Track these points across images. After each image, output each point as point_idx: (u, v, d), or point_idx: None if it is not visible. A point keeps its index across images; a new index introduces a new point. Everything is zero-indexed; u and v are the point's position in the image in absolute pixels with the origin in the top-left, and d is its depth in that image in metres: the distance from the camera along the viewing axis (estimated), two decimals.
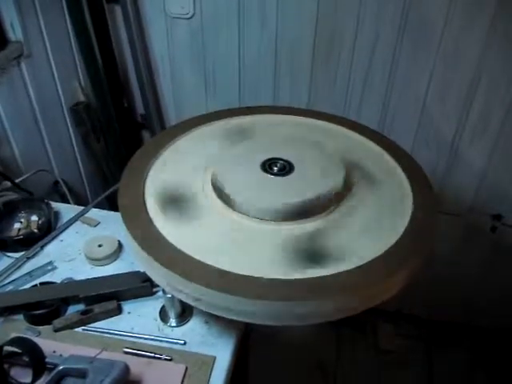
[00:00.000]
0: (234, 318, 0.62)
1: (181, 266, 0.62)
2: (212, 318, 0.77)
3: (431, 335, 1.71)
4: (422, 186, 0.76)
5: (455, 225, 1.46)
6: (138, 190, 0.76)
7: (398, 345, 1.68)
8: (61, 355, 0.69)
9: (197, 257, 0.64)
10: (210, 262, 0.63)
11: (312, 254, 0.65)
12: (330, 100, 1.35)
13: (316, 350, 1.66)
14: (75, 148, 1.41)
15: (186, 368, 0.70)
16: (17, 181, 1.05)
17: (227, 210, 0.72)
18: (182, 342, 0.74)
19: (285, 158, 0.77)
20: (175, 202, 0.75)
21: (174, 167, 0.82)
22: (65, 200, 1.29)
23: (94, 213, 0.98)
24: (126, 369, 0.65)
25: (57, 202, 1.07)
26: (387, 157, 0.84)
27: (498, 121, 1.25)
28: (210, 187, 0.76)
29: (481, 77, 1.20)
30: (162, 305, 0.79)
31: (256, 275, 0.61)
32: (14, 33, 1.15)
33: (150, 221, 0.70)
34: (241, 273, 0.61)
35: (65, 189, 1.25)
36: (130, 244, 0.70)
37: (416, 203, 0.72)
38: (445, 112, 1.28)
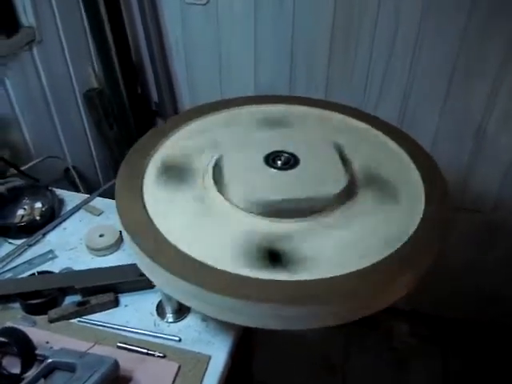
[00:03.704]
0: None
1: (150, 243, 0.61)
2: (210, 316, 0.74)
3: (447, 334, 1.65)
4: (438, 199, 0.69)
5: (477, 222, 1.40)
6: (139, 164, 0.75)
7: (410, 344, 1.63)
8: (51, 347, 0.67)
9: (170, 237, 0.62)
10: (183, 245, 0.61)
11: (274, 256, 0.61)
12: (347, 89, 1.30)
13: (325, 348, 1.63)
14: (88, 134, 1.40)
15: (179, 366, 0.68)
16: (24, 167, 1.05)
17: (219, 196, 0.69)
18: (177, 338, 0.72)
19: (294, 152, 0.73)
20: (174, 173, 0.74)
21: (188, 143, 0.81)
22: (76, 187, 1.28)
23: (99, 201, 0.97)
24: (116, 365, 0.63)
25: (67, 189, 1.06)
26: (408, 160, 0.77)
27: None
28: (211, 167, 0.74)
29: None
30: (159, 299, 0.77)
31: (219, 267, 0.59)
32: (27, 18, 1.14)
33: (140, 189, 0.70)
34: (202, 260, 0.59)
35: (75, 176, 1.24)
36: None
37: (425, 220, 0.65)
38: (469, 101, 1.21)
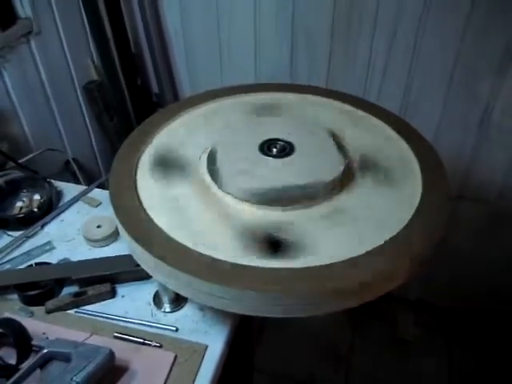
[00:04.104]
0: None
1: (145, 235, 0.61)
2: (207, 306, 0.74)
3: (452, 324, 1.64)
4: (436, 186, 0.67)
5: (482, 211, 1.38)
6: (134, 154, 0.74)
7: (415, 334, 1.63)
8: (47, 338, 0.67)
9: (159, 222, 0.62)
10: (181, 237, 0.61)
11: (273, 244, 0.60)
12: (350, 77, 1.28)
13: (330, 337, 1.63)
14: (88, 127, 1.40)
15: (176, 356, 0.67)
16: (23, 160, 1.04)
17: (214, 186, 0.68)
18: (174, 328, 0.71)
19: (290, 140, 0.72)
20: (167, 163, 0.74)
21: (184, 133, 0.80)
22: (76, 179, 1.28)
23: (97, 193, 0.96)
24: (111, 355, 0.63)
25: (69, 181, 1.06)
26: (407, 150, 0.75)
27: None
28: (205, 156, 0.73)
29: None
30: (156, 289, 0.76)
31: (219, 257, 0.58)
32: (24, 9, 1.13)
33: (134, 184, 0.69)
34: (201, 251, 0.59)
35: (75, 168, 1.24)
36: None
37: (422, 206, 0.64)
38: (473, 87, 1.19)
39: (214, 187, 0.68)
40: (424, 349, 1.59)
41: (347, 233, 0.62)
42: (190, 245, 0.60)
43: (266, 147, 0.71)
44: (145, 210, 0.65)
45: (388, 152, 0.75)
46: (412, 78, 1.23)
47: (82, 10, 1.27)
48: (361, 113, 0.84)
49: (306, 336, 1.58)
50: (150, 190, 0.69)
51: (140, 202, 0.66)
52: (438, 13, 1.11)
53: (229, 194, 0.66)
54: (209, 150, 0.73)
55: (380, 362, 1.56)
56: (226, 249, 0.60)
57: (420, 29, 1.15)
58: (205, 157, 0.73)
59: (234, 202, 0.66)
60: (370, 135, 0.79)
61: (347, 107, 0.85)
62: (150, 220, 0.63)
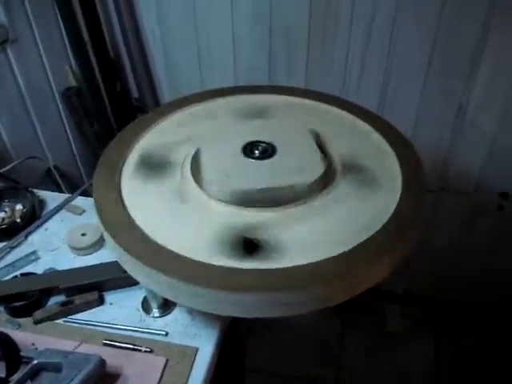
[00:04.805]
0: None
1: (124, 238, 0.62)
2: (193, 308, 0.74)
3: (439, 316, 1.68)
4: (415, 185, 0.69)
5: (461, 204, 1.41)
6: (117, 157, 0.75)
7: (404, 326, 1.65)
8: (36, 349, 0.67)
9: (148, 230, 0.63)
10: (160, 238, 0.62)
11: (250, 245, 0.61)
12: (327, 76, 1.29)
13: (320, 333, 1.65)
14: (69, 133, 1.39)
15: (167, 360, 0.68)
16: (4, 169, 1.03)
17: (196, 188, 0.69)
18: (164, 333, 0.72)
19: (272, 141, 0.73)
20: (152, 165, 0.74)
21: (168, 136, 0.81)
22: (58, 187, 1.27)
23: (80, 200, 0.96)
24: (102, 363, 0.63)
25: (51, 189, 1.05)
26: (388, 149, 0.76)
27: (506, 89, 1.18)
28: (189, 159, 0.74)
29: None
30: (144, 295, 0.77)
31: (195, 258, 0.59)
32: None
33: (118, 188, 0.70)
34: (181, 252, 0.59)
35: (56, 176, 1.23)
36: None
37: (402, 205, 0.66)
38: (448, 81, 1.22)
39: (196, 188, 0.69)
40: (413, 340, 1.61)
41: (325, 233, 0.63)
42: (173, 248, 0.60)
43: (249, 149, 0.72)
44: (128, 215, 0.65)
45: (368, 151, 0.77)
46: (389, 75, 1.25)
47: (58, 15, 1.26)
48: (340, 112, 0.85)
49: (297, 333, 1.59)
50: (134, 192, 0.69)
51: (124, 207, 0.66)
52: (410, 11, 1.14)
53: (210, 195, 0.67)
54: (193, 153, 0.74)
55: (371, 356, 1.58)
56: (204, 249, 0.60)
57: (395, 26, 1.17)
58: (189, 159, 0.73)
59: (216, 204, 0.67)
60: (350, 135, 0.80)
61: (327, 107, 0.87)
62: (134, 223, 0.64)
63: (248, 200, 0.65)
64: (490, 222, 1.41)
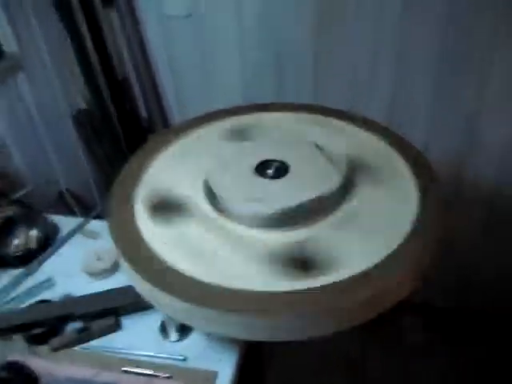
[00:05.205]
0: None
1: (157, 276, 0.60)
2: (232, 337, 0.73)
3: (457, 326, 1.64)
4: (431, 186, 0.69)
5: (477, 210, 1.39)
6: (128, 194, 0.73)
7: (424, 337, 1.62)
8: (55, 378, 0.66)
9: (178, 265, 0.61)
10: (191, 271, 0.60)
11: (301, 264, 0.60)
12: (337, 91, 1.29)
13: (341, 346, 1.61)
14: (80, 156, 1.39)
15: None
16: (17, 195, 1.04)
17: (217, 215, 0.68)
18: (182, 357, 0.71)
19: (281, 158, 0.72)
20: (165, 205, 0.71)
21: (171, 169, 0.79)
22: (71, 210, 1.27)
23: (95, 224, 0.96)
24: None
25: (64, 213, 1.05)
26: (396, 155, 0.76)
27: None
28: (201, 190, 0.72)
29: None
30: (161, 319, 0.76)
31: (243, 287, 0.57)
32: (9, 44, 1.13)
33: (136, 226, 0.67)
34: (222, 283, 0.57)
35: (69, 199, 1.24)
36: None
37: (423, 204, 0.66)
38: (461, 85, 1.20)
39: (221, 219, 0.67)
40: (432, 351, 1.58)
41: (363, 239, 0.63)
42: (218, 282, 0.58)
43: (261, 169, 0.71)
44: (156, 255, 0.63)
45: (373, 155, 0.77)
46: (398, 86, 1.24)
47: (68, 39, 1.28)
48: (340, 123, 0.85)
49: (318, 349, 1.56)
50: (153, 233, 0.66)
51: (150, 250, 0.64)
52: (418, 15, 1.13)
53: (240, 222, 0.66)
54: (203, 182, 0.72)
55: (391, 367, 1.55)
56: (248, 278, 0.59)
57: (402, 32, 1.16)
58: (200, 190, 0.72)
59: (246, 230, 0.65)
60: (355, 144, 0.80)
61: (324, 119, 0.87)
62: (165, 262, 0.62)
63: (281, 220, 0.64)
64: (508, 229, 1.39)
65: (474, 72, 1.17)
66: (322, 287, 0.56)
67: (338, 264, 0.59)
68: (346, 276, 0.57)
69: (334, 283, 0.56)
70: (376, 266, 0.58)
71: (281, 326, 0.56)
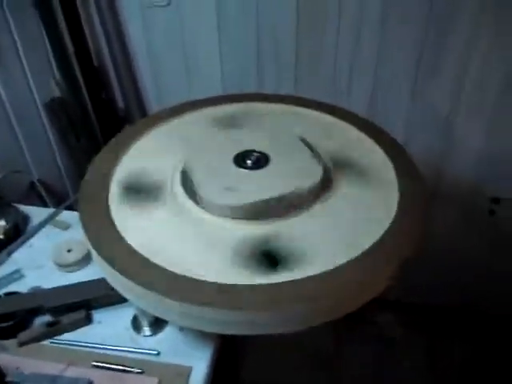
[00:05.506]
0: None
1: (123, 264, 0.59)
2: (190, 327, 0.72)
3: (432, 322, 1.66)
4: (412, 182, 0.69)
5: (453, 208, 1.41)
6: (101, 182, 0.71)
7: (400, 334, 1.64)
8: (23, 373, 0.64)
9: (145, 252, 0.60)
10: (158, 260, 0.59)
11: (274, 257, 0.59)
12: (317, 82, 1.28)
13: (314, 342, 1.62)
14: (53, 145, 1.35)
15: (159, 382, 0.65)
16: None
17: (191, 203, 0.66)
18: (156, 352, 0.69)
19: (263, 150, 0.71)
20: (139, 191, 0.70)
21: (150, 154, 0.78)
22: (43, 201, 1.23)
23: (66, 215, 0.93)
24: None
25: (36, 204, 1.02)
26: (377, 148, 0.76)
27: (494, 93, 1.18)
28: (178, 177, 0.70)
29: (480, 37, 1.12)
30: (134, 313, 0.74)
31: (207, 279, 0.56)
32: None
33: (109, 215, 0.66)
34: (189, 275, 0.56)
35: (41, 190, 1.20)
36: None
37: (402, 202, 0.66)
38: (438, 87, 1.21)
39: (195, 208, 0.65)
40: (408, 347, 1.60)
41: (334, 237, 0.62)
42: (177, 271, 0.57)
43: (241, 159, 0.70)
44: (123, 238, 0.62)
45: (357, 152, 0.76)
46: (378, 79, 1.24)
47: (41, 25, 1.23)
48: (325, 116, 0.84)
49: (292, 343, 1.56)
50: (125, 216, 0.66)
51: (117, 231, 0.63)
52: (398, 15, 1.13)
53: (214, 212, 0.64)
54: (180, 169, 0.71)
55: (366, 363, 1.56)
56: (216, 269, 0.58)
57: (383, 27, 1.16)
58: (177, 177, 0.70)
59: (220, 221, 0.64)
60: (338, 138, 0.80)
61: (309, 112, 0.86)
62: (130, 247, 0.61)
63: (253, 212, 0.63)
64: (482, 227, 1.41)
65: (452, 72, 1.18)
66: (293, 282, 0.55)
67: (310, 258, 0.58)
68: (318, 271, 0.56)
69: (306, 278, 0.55)
70: (350, 262, 0.57)
71: (234, 321, 0.55)
